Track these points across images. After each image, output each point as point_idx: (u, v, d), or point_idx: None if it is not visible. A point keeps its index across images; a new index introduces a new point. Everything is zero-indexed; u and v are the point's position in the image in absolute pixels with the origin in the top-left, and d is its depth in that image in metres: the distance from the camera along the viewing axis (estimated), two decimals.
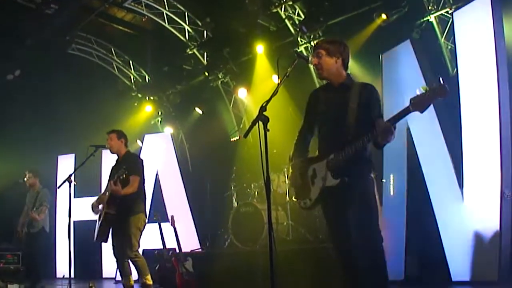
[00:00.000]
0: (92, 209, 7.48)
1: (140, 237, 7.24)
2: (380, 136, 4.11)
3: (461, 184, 6.98)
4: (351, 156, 4.33)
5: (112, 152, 7.57)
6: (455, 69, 7.70)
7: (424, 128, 7.52)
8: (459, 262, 6.88)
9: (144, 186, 7.45)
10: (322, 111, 4.68)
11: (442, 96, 3.83)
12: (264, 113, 4.08)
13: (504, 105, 6.62)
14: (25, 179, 11.05)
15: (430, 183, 7.37)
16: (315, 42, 10.48)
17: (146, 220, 7.39)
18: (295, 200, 4.84)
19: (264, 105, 4.13)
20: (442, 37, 8.97)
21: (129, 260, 7.14)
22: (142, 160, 7.57)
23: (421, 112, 3.94)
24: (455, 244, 6.94)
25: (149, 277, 7.11)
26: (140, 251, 10.51)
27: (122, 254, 7.16)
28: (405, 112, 4.02)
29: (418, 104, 3.91)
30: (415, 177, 7.58)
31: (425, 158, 7.48)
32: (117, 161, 7.61)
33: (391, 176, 7.87)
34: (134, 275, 7.37)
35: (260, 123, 4.04)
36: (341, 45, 4.63)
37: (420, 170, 7.49)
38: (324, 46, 4.59)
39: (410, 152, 7.66)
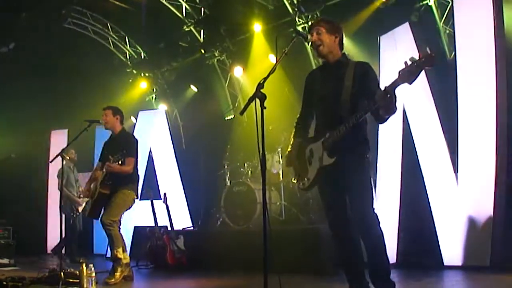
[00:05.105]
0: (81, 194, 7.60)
1: (123, 212, 7.24)
2: (380, 103, 4.03)
3: (456, 169, 6.96)
4: (347, 134, 4.31)
5: (106, 128, 7.57)
6: (453, 54, 7.66)
7: (421, 111, 7.49)
8: (451, 247, 6.88)
9: (137, 167, 7.46)
10: (318, 91, 4.70)
11: (430, 65, 3.75)
12: (261, 90, 4.03)
13: (501, 91, 6.60)
14: (70, 155, 11.07)
15: (425, 167, 7.35)
16: (311, 24, 10.45)
17: (135, 200, 7.37)
18: (295, 181, 4.85)
19: (261, 82, 4.06)
20: (440, 21, 8.96)
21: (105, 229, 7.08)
22: (137, 140, 7.56)
23: (410, 83, 3.85)
24: (448, 228, 6.95)
25: (121, 250, 7.01)
26: (132, 227, 10.60)
27: None
28: (394, 85, 3.94)
29: (405, 75, 3.84)
30: (409, 160, 7.56)
31: (420, 142, 7.45)
32: (111, 137, 7.63)
33: (385, 159, 7.84)
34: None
35: (257, 100, 3.99)
36: (338, 25, 4.69)
37: (415, 153, 7.47)
38: (323, 24, 4.61)
39: (406, 135, 7.63)
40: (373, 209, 4.40)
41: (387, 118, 4.24)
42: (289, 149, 4.88)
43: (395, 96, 3.99)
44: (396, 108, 4.10)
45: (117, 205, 7.12)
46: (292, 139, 4.89)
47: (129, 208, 7.32)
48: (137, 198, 7.49)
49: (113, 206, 7.10)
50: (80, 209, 10.57)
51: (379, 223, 4.37)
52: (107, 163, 7.05)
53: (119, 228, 7.17)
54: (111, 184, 7.15)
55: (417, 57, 3.77)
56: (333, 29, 4.59)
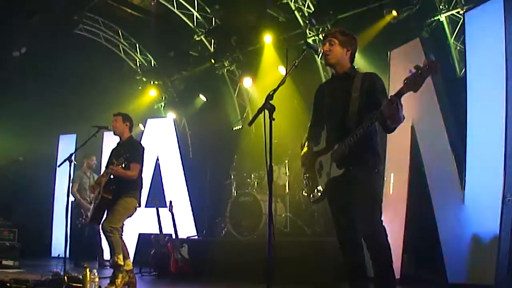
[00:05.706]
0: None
1: (124, 219, 7.22)
2: (385, 112, 4.05)
3: (463, 186, 6.93)
4: (356, 145, 4.32)
5: (115, 134, 7.58)
6: (463, 70, 7.64)
7: (429, 128, 7.46)
8: (456, 264, 6.82)
9: (142, 174, 7.45)
10: (327, 103, 4.74)
11: (434, 73, 3.80)
12: (270, 102, 4.05)
13: (511, 109, 6.56)
14: (90, 162, 11.11)
15: (431, 184, 7.31)
16: (326, 31, 10.47)
17: (136, 208, 7.34)
18: (305, 194, 4.87)
19: (271, 93, 4.10)
20: (451, 37, 8.95)
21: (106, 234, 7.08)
22: (144, 148, 7.56)
23: (415, 91, 3.89)
24: (453, 245, 6.89)
25: (121, 256, 6.99)
26: (136, 235, 10.60)
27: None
28: (400, 93, 3.97)
29: (411, 83, 3.86)
30: (417, 176, 7.53)
31: (428, 158, 7.42)
32: (118, 143, 7.63)
33: (392, 175, 7.83)
34: None
35: (266, 111, 4.01)
36: (353, 38, 4.71)
37: (422, 170, 7.44)
38: (337, 36, 4.62)
39: (414, 151, 7.60)
40: (381, 221, 4.42)
41: (395, 128, 4.26)
42: (304, 150, 4.89)
43: (401, 105, 4.01)
44: (403, 117, 4.11)
45: (119, 212, 7.12)
46: (306, 147, 4.90)
47: (130, 216, 7.30)
48: (139, 206, 7.47)
49: (114, 213, 7.10)
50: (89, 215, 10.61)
51: (386, 236, 4.38)
52: (111, 166, 7.08)
53: (121, 235, 7.17)
54: (114, 189, 7.14)
55: (421, 65, 3.78)
56: (346, 42, 4.61)
